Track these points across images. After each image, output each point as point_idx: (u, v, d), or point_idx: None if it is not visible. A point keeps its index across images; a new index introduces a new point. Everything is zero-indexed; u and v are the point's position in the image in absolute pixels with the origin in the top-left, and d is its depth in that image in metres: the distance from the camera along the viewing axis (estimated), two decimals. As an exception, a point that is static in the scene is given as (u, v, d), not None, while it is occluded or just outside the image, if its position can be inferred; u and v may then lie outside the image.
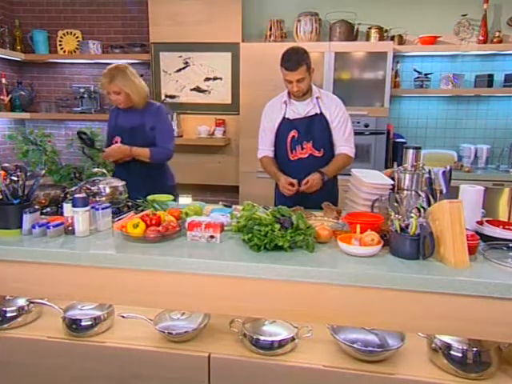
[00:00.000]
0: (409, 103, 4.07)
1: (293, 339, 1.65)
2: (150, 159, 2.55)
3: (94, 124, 4.36)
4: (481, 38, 3.71)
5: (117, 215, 1.90)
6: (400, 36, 3.82)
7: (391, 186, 1.84)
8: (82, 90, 4.29)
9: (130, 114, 2.59)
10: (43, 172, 1.85)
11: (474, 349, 1.48)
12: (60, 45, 4.34)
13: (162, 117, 2.65)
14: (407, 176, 1.73)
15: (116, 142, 2.60)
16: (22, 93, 4.26)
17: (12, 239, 1.66)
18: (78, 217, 1.67)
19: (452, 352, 1.50)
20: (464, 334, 1.46)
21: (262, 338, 1.63)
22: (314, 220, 1.85)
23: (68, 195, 2.00)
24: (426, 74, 3.86)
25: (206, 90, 4.01)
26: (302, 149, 2.42)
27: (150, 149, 2.55)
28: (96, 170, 2.15)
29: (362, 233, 1.56)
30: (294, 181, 2.30)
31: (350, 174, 2.08)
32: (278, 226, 1.56)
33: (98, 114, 4.33)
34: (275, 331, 1.69)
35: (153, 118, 2.59)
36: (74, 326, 1.75)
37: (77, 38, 4.33)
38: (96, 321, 1.77)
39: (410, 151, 1.73)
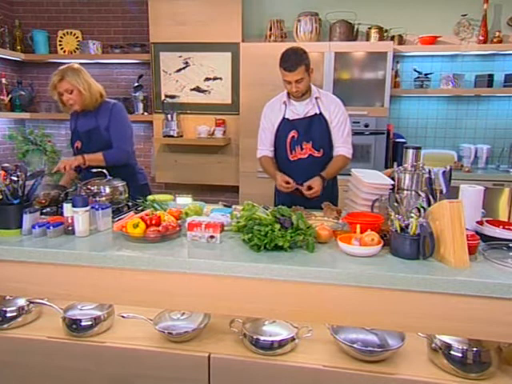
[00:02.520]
0: (409, 103, 4.07)
1: (293, 339, 1.65)
2: (105, 163, 2.39)
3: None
4: (481, 37, 3.71)
5: (117, 215, 1.90)
6: (400, 36, 3.82)
7: (391, 186, 1.84)
8: (82, 90, 4.29)
9: (87, 117, 2.51)
10: (45, 168, 1.85)
11: (474, 349, 1.48)
12: (60, 45, 4.34)
13: (116, 115, 2.52)
14: (407, 176, 1.73)
15: (77, 147, 2.55)
16: (22, 93, 4.26)
17: (12, 239, 1.66)
18: (78, 217, 1.67)
19: (452, 352, 1.50)
20: (464, 334, 1.46)
21: (262, 337, 1.63)
22: (314, 220, 1.85)
23: (68, 195, 2.00)
24: (426, 74, 3.86)
25: (206, 90, 4.01)
26: (302, 149, 2.42)
27: (103, 152, 2.43)
28: (96, 170, 2.15)
29: (362, 233, 1.56)
30: (290, 179, 2.30)
31: (349, 174, 2.08)
32: (278, 225, 1.56)
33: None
34: (275, 331, 1.69)
35: (106, 117, 2.49)
36: (74, 325, 1.75)
37: (77, 38, 4.33)
38: (96, 321, 1.76)
39: (410, 151, 1.73)
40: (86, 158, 2.39)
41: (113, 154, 2.47)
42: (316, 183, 2.25)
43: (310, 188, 2.25)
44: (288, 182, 2.29)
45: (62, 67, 2.43)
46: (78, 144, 2.55)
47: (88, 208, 1.70)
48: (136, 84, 4.17)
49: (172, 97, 4.03)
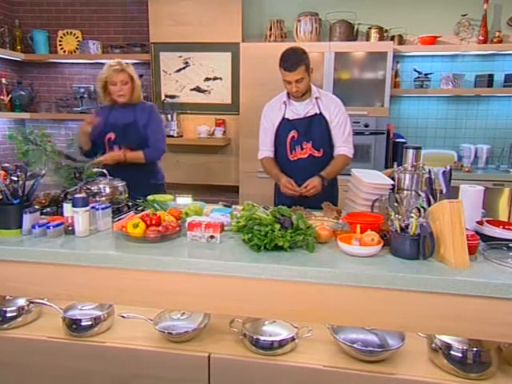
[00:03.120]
0: (409, 103, 4.07)
1: (293, 339, 1.65)
2: (144, 161, 2.59)
3: (94, 124, 4.36)
4: (481, 38, 3.71)
5: (117, 215, 1.90)
6: (400, 36, 3.82)
7: (391, 186, 1.84)
8: (81, 90, 4.29)
9: (123, 111, 2.60)
10: (43, 172, 1.85)
11: (474, 349, 1.48)
12: (60, 45, 4.34)
13: (155, 116, 2.68)
14: (407, 176, 1.73)
15: (109, 139, 2.61)
16: (22, 93, 4.26)
17: (12, 239, 1.66)
18: (78, 217, 1.67)
19: (452, 352, 1.50)
20: (464, 334, 1.46)
21: (262, 338, 1.63)
22: (314, 220, 1.85)
23: (68, 195, 2.00)
24: (426, 74, 3.87)
25: (206, 90, 4.01)
26: (302, 149, 2.42)
27: (144, 151, 2.58)
28: (96, 170, 2.15)
29: (362, 233, 1.56)
30: (294, 184, 2.29)
31: (350, 174, 2.08)
32: (278, 225, 1.56)
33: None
34: (275, 331, 1.69)
35: (146, 115, 2.62)
36: (74, 325, 1.75)
37: (77, 38, 4.33)
38: (96, 321, 1.76)
39: (410, 151, 1.73)
40: (127, 156, 2.51)
41: (152, 153, 2.62)
42: (313, 182, 2.25)
43: (305, 187, 2.24)
44: (292, 184, 2.29)
45: (116, 60, 2.57)
46: (112, 136, 2.61)
47: (88, 208, 1.70)
48: (136, 84, 4.17)
49: (172, 97, 4.04)
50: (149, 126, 2.62)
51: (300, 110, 2.42)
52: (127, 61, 4.14)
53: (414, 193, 1.71)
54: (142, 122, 2.61)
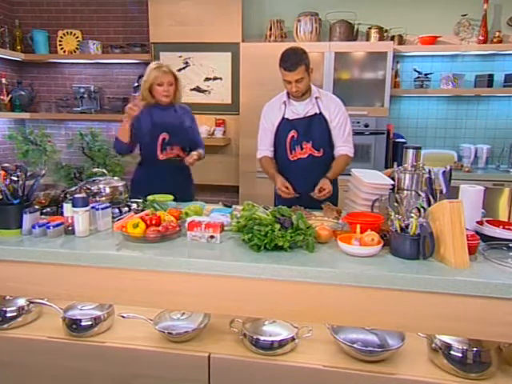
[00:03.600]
0: (409, 103, 4.07)
1: (293, 339, 1.65)
2: (200, 159, 2.73)
3: (94, 124, 4.37)
4: (481, 38, 3.71)
5: (117, 215, 1.89)
6: (400, 36, 3.82)
7: (391, 186, 1.84)
8: (82, 90, 4.30)
9: (167, 112, 2.59)
10: (43, 172, 1.85)
11: (474, 349, 1.48)
12: (60, 45, 4.34)
13: (194, 118, 2.78)
14: (407, 176, 1.73)
15: (163, 139, 2.60)
16: (22, 93, 4.26)
17: (12, 239, 1.66)
18: (78, 217, 1.67)
19: (452, 352, 1.50)
20: (464, 334, 1.46)
21: (262, 338, 1.63)
22: (314, 220, 1.85)
23: (68, 195, 2.00)
24: (426, 74, 3.87)
25: (206, 90, 4.01)
26: (302, 149, 2.42)
27: (202, 149, 2.72)
28: (96, 169, 2.15)
29: (362, 233, 1.56)
30: (289, 185, 2.30)
31: (349, 174, 2.08)
32: (278, 225, 1.56)
33: (97, 114, 4.33)
34: (275, 331, 1.69)
35: (188, 117, 2.71)
36: (74, 325, 1.75)
37: (77, 38, 4.33)
38: (96, 321, 1.76)
39: (410, 151, 1.73)
40: (197, 155, 2.62)
41: (204, 151, 2.76)
42: (326, 184, 2.25)
43: (320, 190, 2.24)
44: (287, 188, 2.29)
45: (157, 62, 2.62)
46: (165, 136, 2.60)
47: (88, 208, 1.70)
48: (136, 84, 4.16)
49: (172, 97, 4.03)
50: (192, 127, 2.72)
51: (300, 109, 2.42)
52: (128, 61, 4.22)
53: (414, 193, 1.71)
54: (187, 122, 2.68)
